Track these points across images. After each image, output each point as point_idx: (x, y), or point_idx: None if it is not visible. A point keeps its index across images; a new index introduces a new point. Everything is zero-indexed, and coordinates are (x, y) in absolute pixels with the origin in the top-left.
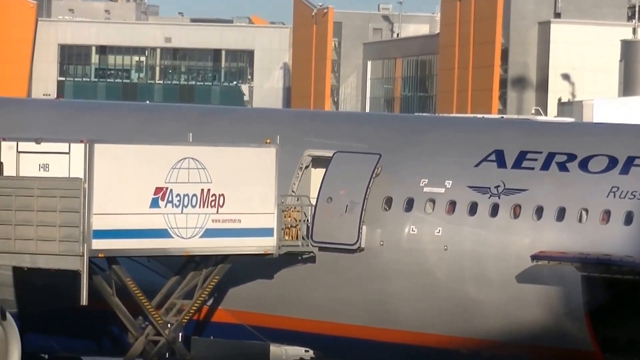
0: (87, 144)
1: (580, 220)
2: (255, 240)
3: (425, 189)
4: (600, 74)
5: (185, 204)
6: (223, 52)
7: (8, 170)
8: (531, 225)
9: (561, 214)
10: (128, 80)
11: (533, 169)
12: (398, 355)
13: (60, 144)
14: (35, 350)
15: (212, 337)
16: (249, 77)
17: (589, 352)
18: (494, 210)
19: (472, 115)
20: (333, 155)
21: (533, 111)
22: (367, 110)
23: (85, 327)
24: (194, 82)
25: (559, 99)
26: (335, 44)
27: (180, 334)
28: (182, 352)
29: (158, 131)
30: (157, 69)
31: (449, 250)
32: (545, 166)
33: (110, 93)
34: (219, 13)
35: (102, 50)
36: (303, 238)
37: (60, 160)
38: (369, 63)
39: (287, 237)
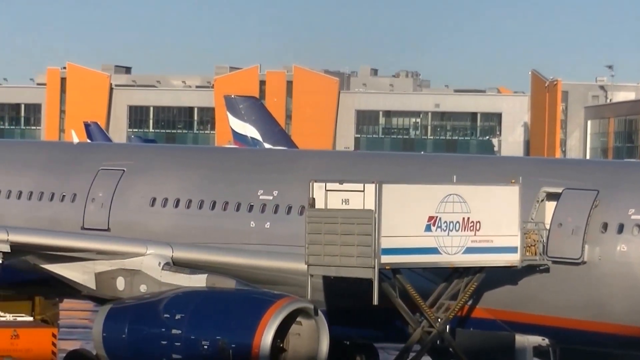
0: (377, 184)
1: None
2: (503, 256)
3: (632, 217)
4: None
5: (451, 228)
6: (478, 114)
7: (319, 204)
8: None
9: None
10: (407, 136)
11: None
12: (611, 342)
13: (357, 184)
14: (340, 338)
15: (471, 329)
16: (498, 133)
17: None
18: None
19: None
20: (562, 191)
21: None
22: (588, 157)
23: (376, 320)
24: (456, 137)
25: None
26: (563, 107)
27: (447, 327)
28: (449, 341)
29: (430, 173)
30: (429, 127)
31: None
32: None
33: (393, 146)
34: (475, 85)
35: (387, 114)
36: (540, 254)
37: (357, 196)
38: (589, 122)
39: (528, 254)
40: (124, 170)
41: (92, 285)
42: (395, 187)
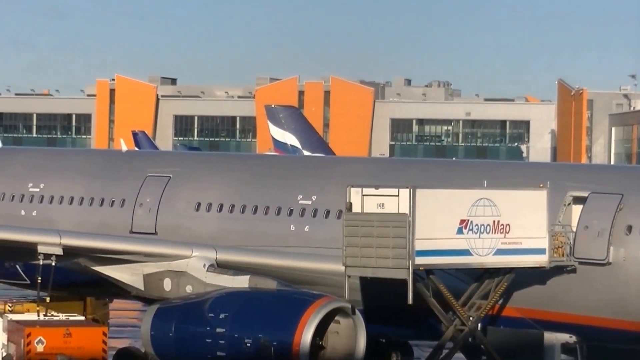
0: (411, 189)
1: None
2: (532, 257)
3: None
4: None
5: (482, 231)
6: (507, 122)
7: (356, 208)
8: None
9: None
10: (439, 143)
11: None
12: (635, 339)
13: (392, 189)
14: (376, 336)
15: (502, 327)
16: (526, 139)
17: None
18: None
19: None
20: (588, 195)
21: None
22: (612, 162)
23: (410, 319)
24: (486, 144)
25: None
26: (588, 115)
27: (479, 325)
28: (480, 338)
29: (462, 178)
30: (460, 135)
31: None
32: None
33: (426, 153)
34: (504, 94)
35: (420, 122)
36: (567, 255)
37: (392, 200)
38: (613, 129)
39: (555, 255)
40: (170, 176)
41: (140, 286)
42: (429, 192)
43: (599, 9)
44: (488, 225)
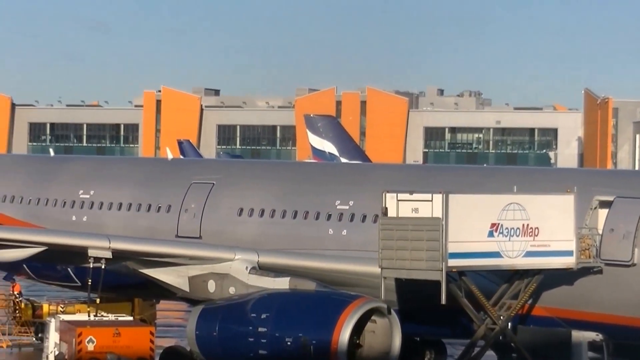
0: (444, 194)
1: None
2: (560, 259)
3: None
4: None
5: (512, 234)
6: (536, 130)
7: (391, 213)
8: None
9: None
10: (471, 150)
11: None
12: None
13: (426, 194)
14: (411, 335)
15: (531, 326)
16: (554, 146)
17: None
18: None
19: None
20: (614, 199)
21: None
22: (637, 168)
23: (444, 318)
24: (516, 151)
25: None
26: (613, 123)
27: (509, 324)
28: (510, 337)
29: (492, 184)
30: (491, 142)
31: None
32: None
33: (458, 159)
34: (533, 103)
35: (453, 130)
36: (593, 257)
37: (426, 205)
38: (637, 136)
39: (582, 257)
40: (213, 183)
41: (185, 288)
42: (461, 197)
43: (624, 21)
44: (518, 228)
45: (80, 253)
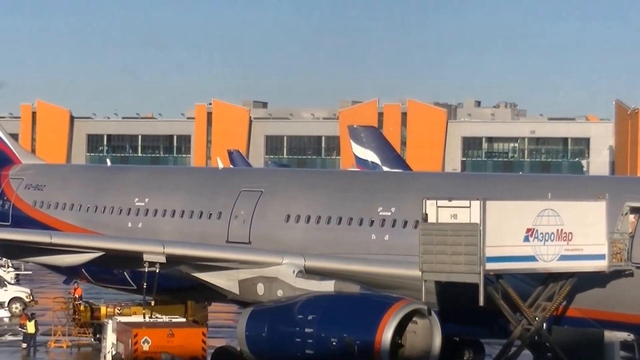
0: (482, 201)
1: None
2: (593, 262)
3: None
4: None
5: (547, 239)
6: (569, 139)
7: (431, 219)
8: None
9: None
10: (507, 159)
11: None
12: None
13: (464, 201)
14: (450, 335)
15: (565, 326)
16: (587, 155)
17: None
18: None
19: None
20: None
21: None
22: None
23: (482, 319)
24: (550, 160)
25: None
26: None
27: (544, 325)
28: (545, 337)
29: (528, 191)
30: (526, 151)
31: None
32: None
33: (494, 168)
34: (566, 113)
35: (489, 139)
36: (625, 260)
37: (464, 211)
38: None
39: (614, 260)
40: (262, 191)
41: (236, 290)
42: (498, 203)
43: None
44: (552, 233)
45: (135, 258)
